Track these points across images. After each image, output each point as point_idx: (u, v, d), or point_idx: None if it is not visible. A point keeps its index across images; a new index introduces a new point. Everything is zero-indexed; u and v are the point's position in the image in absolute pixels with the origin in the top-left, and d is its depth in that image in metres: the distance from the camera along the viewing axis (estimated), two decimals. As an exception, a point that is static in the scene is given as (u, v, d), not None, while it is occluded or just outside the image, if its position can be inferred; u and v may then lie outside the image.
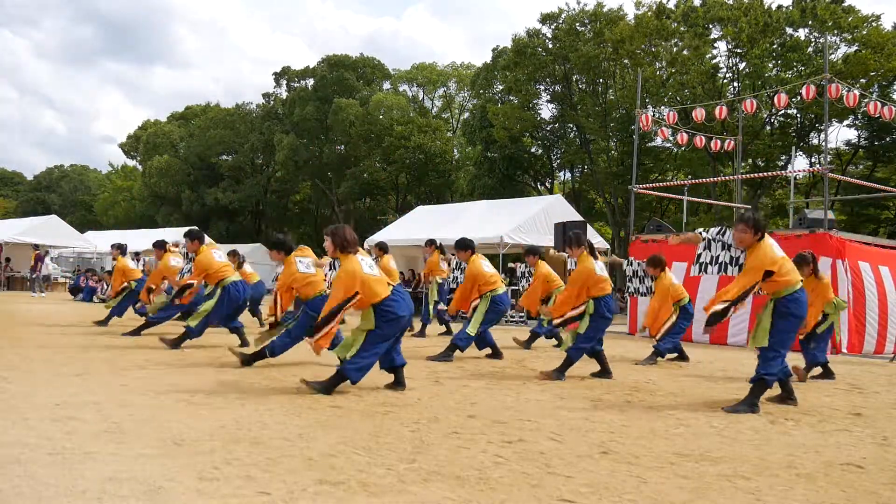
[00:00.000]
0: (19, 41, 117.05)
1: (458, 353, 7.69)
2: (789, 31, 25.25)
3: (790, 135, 27.12)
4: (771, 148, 26.40)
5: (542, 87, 32.32)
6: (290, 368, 6.38)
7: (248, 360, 6.49)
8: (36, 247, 23.89)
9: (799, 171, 27.11)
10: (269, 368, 6.39)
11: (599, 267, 6.52)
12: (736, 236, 5.24)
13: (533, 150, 36.30)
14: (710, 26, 25.79)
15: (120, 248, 11.26)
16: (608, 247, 22.53)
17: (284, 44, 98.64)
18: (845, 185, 26.34)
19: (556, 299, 9.02)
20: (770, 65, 25.56)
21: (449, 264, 11.86)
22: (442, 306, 10.97)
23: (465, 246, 7.88)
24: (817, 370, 7.17)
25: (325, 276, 7.44)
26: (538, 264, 9.39)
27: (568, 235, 6.89)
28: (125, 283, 10.79)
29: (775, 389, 5.36)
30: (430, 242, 11.25)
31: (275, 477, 2.99)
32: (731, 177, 19.32)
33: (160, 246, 9.73)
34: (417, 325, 11.50)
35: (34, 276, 23.31)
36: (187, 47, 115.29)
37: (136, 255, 11.51)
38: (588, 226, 16.22)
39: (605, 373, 6.61)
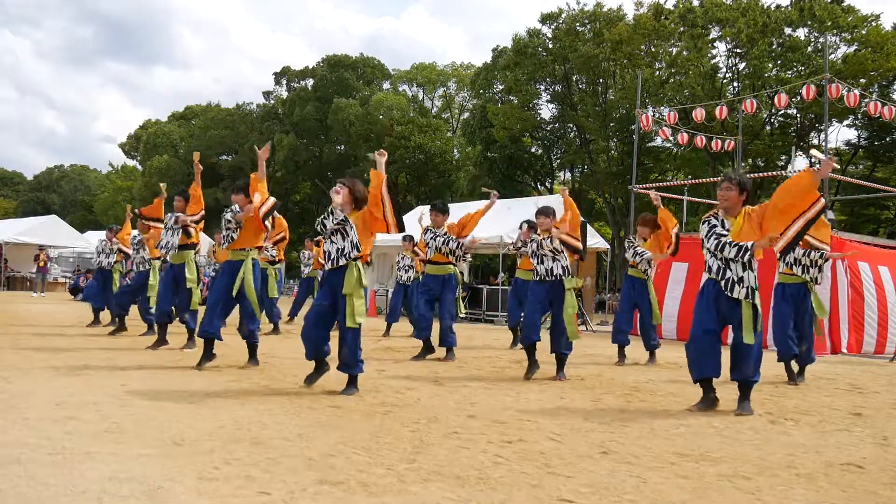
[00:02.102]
0: (19, 41, 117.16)
1: (457, 353, 7.91)
2: (788, 31, 25.22)
3: (790, 135, 27.10)
4: (771, 148, 26.39)
5: (542, 87, 32.29)
6: (291, 368, 6.38)
7: (251, 356, 6.55)
8: (41, 248, 23.83)
9: (799, 171, 27.06)
10: (269, 368, 6.40)
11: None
12: (722, 195, 4.99)
13: (533, 150, 36.27)
14: (710, 26, 25.78)
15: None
16: (608, 247, 22.52)
17: (284, 44, 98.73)
18: (845, 185, 26.33)
19: None
20: (770, 65, 25.53)
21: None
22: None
23: (444, 210, 8.09)
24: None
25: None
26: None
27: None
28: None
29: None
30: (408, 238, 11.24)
31: (275, 477, 2.98)
32: (731, 177, 19.28)
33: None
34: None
35: (37, 275, 23.32)
36: (188, 47, 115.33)
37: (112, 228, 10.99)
38: (588, 226, 16.20)
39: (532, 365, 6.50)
